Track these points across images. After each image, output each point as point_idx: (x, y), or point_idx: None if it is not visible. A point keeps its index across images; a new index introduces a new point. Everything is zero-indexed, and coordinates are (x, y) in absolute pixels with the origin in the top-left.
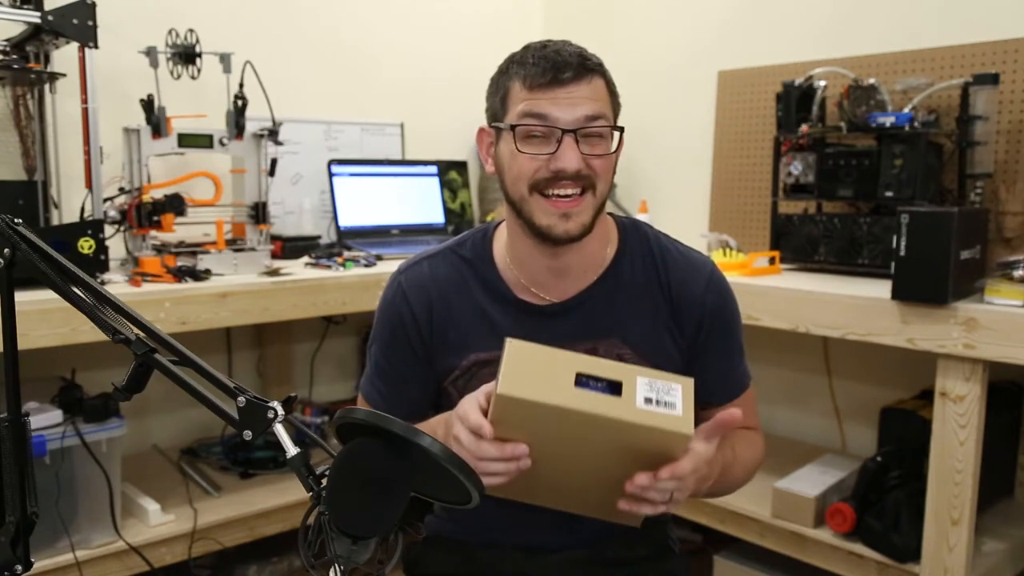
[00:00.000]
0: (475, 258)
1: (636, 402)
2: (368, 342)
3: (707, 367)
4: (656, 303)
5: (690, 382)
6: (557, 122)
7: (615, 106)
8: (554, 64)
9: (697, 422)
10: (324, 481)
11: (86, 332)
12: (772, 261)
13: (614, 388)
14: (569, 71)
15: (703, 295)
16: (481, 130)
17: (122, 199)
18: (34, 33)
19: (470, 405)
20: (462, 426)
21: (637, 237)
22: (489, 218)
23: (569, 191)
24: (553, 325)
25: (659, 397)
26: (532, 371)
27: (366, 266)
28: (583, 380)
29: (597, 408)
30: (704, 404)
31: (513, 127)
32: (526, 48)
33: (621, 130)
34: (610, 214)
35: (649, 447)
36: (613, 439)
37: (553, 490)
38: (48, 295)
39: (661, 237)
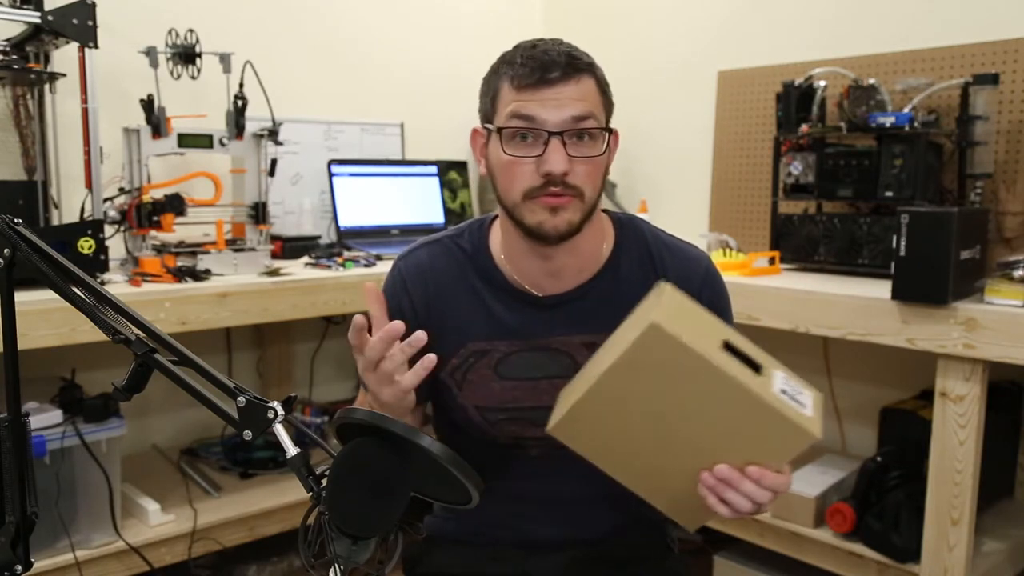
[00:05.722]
0: (472, 249)
1: (773, 387)
2: None
3: None
4: None
5: (820, 396)
6: (544, 124)
7: (607, 106)
8: (541, 64)
9: None
10: (324, 481)
11: (86, 332)
12: (772, 261)
13: (754, 368)
14: (556, 71)
15: (699, 289)
16: (475, 131)
17: (122, 199)
18: (34, 33)
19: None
20: (353, 331)
21: (633, 233)
22: None
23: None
24: (551, 316)
25: (792, 394)
26: (686, 319)
27: (366, 266)
28: (728, 348)
29: (741, 376)
30: None
31: (500, 129)
32: (516, 47)
33: (610, 131)
34: (605, 211)
35: (765, 437)
36: (737, 415)
37: (635, 459)
38: (48, 295)
39: (657, 232)
